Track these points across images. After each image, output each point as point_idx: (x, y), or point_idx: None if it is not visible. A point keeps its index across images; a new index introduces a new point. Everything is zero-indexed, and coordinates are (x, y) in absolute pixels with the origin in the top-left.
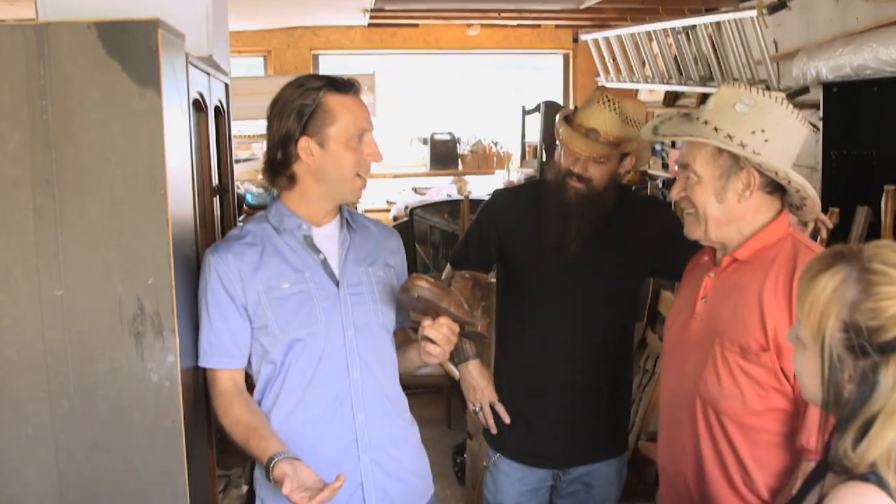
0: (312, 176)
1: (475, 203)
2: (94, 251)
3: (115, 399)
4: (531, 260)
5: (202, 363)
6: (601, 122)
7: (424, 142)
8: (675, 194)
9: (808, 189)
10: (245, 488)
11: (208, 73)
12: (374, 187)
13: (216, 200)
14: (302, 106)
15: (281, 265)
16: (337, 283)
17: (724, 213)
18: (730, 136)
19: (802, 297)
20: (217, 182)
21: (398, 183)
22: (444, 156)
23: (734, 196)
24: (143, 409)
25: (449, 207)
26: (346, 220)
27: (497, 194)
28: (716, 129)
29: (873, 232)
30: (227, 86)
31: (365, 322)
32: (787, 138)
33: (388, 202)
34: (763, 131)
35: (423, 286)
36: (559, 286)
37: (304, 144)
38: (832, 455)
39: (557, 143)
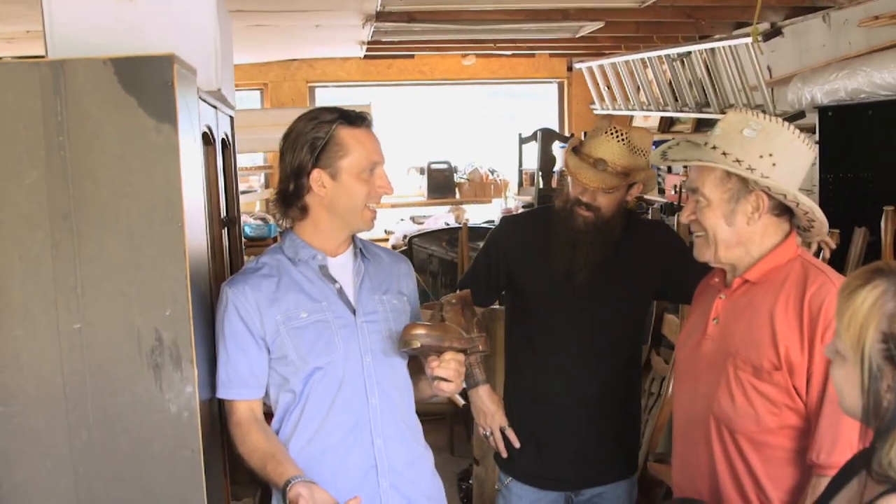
0: (324, 207)
1: (473, 231)
2: (113, 284)
3: (134, 431)
4: (540, 287)
5: (220, 395)
6: (609, 153)
7: (421, 171)
8: (684, 217)
9: (817, 211)
10: None
11: (215, 107)
12: None
13: (224, 232)
14: (315, 139)
15: (298, 295)
16: (354, 312)
17: (733, 236)
18: (738, 161)
19: (842, 310)
20: (225, 214)
21: (396, 212)
22: (441, 185)
23: (743, 219)
24: (162, 440)
25: (447, 236)
26: (360, 249)
27: (504, 222)
28: (724, 153)
29: (871, 252)
30: (231, 119)
31: (382, 349)
32: (793, 161)
33: (386, 231)
34: (771, 155)
35: (421, 333)
36: (568, 312)
37: (317, 176)
38: (875, 464)
39: (556, 169)
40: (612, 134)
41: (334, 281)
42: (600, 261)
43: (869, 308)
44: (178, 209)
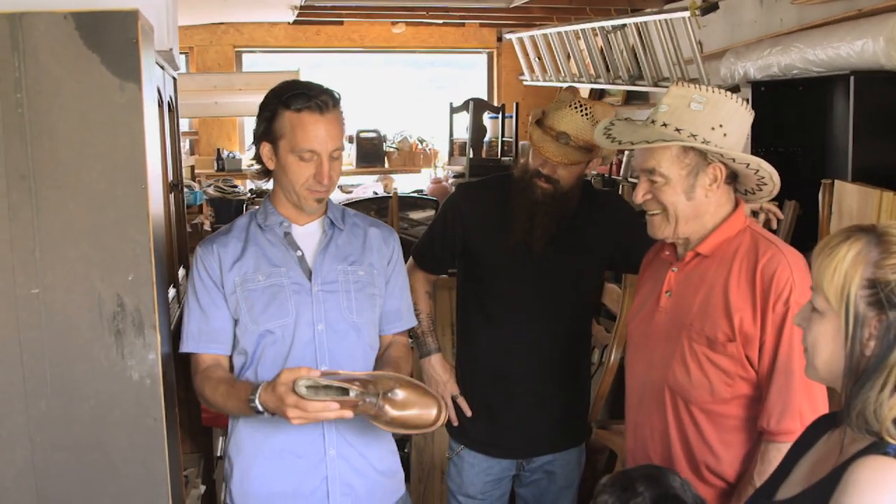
0: (276, 179)
1: (403, 200)
2: (73, 247)
3: (94, 398)
4: (495, 255)
5: (189, 348)
6: (572, 127)
7: (350, 140)
8: (639, 198)
9: (775, 176)
10: (203, 488)
11: (163, 67)
12: None
13: (171, 197)
14: (266, 112)
15: (259, 259)
16: (311, 279)
17: (692, 210)
18: (693, 135)
19: (823, 266)
20: (172, 178)
21: None
22: (370, 153)
23: (702, 192)
24: (124, 407)
25: (375, 205)
26: (331, 219)
27: (462, 188)
28: (678, 129)
29: (800, 224)
30: (175, 80)
31: (336, 319)
32: (740, 128)
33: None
34: (721, 126)
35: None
36: (523, 281)
37: (265, 149)
38: (854, 414)
39: (486, 139)
40: (575, 108)
41: (297, 248)
42: (556, 231)
43: (853, 258)
44: (141, 171)
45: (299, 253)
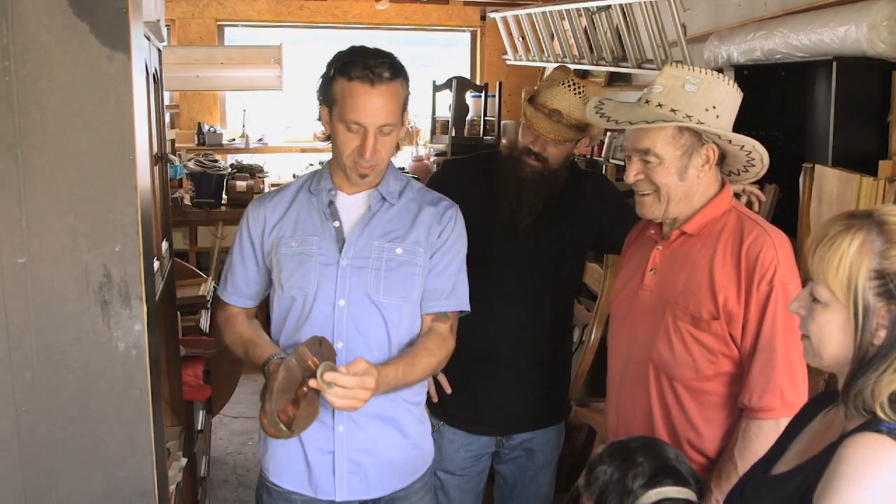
0: (332, 144)
1: None
2: (60, 218)
3: (80, 369)
4: (481, 233)
5: (219, 294)
6: (564, 105)
7: None
8: (630, 178)
9: (765, 158)
10: (184, 461)
11: (149, 39)
12: (282, 162)
13: (156, 169)
14: (325, 75)
15: (297, 225)
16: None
17: (684, 190)
18: (688, 116)
19: (826, 258)
20: (156, 150)
21: (305, 157)
22: None
23: (694, 172)
24: (109, 378)
25: None
26: (382, 193)
27: (447, 165)
28: (673, 110)
29: (780, 207)
30: (160, 52)
31: (359, 296)
32: (730, 110)
33: (294, 176)
34: (714, 108)
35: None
36: (508, 259)
37: (323, 112)
38: (855, 392)
39: (469, 118)
40: (568, 86)
41: (336, 219)
42: (542, 210)
43: (858, 248)
44: (129, 141)
45: (337, 224)
